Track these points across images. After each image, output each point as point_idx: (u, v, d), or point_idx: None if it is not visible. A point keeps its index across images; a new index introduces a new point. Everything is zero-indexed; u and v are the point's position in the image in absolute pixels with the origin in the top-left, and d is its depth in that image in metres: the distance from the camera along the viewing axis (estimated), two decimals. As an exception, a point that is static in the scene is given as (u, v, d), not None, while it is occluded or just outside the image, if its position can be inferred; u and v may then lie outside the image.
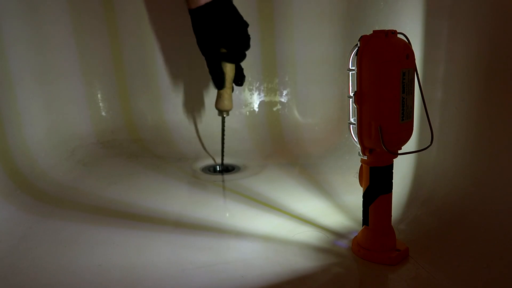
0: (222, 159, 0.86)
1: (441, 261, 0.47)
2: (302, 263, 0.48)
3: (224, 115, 0.84)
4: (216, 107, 0.83)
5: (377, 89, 0.43)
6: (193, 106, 1.02)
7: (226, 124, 0.86)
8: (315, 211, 0.63)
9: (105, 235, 0.56)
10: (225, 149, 0.87)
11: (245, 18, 0.79)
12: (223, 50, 0.79)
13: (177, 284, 0.45)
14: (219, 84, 0.81)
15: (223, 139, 0.86)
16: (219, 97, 0.82)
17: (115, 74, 1.00)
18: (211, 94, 1.00)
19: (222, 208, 0.67)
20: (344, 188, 0.71)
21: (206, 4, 0.76)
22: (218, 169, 0.87)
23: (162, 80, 1.01)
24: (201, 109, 1.01)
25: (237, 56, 0.81)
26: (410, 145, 0.55)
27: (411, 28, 0.67)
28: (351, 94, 0.45)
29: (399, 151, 0.46)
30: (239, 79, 0.84)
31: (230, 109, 0.83)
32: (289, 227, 0.58)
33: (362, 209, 0.49)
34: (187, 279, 0.46)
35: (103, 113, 1.00)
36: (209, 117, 1.00)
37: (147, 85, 1.02)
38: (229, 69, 0.80)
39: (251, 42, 0.80)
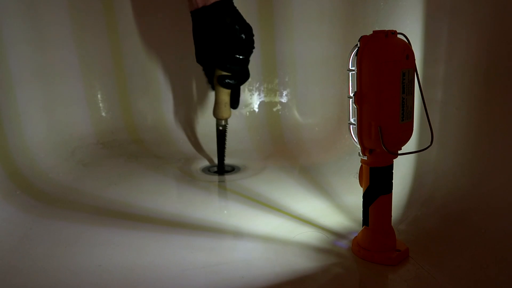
0: (223, 165, 0.85)
1: (441, 261, 0.47)
2: (302, 263, 0.48)
3: (223, 123, 0.84)
4: (214, 116, 0.83)
5: (377, 89, 0.43)
6: (193, 107, 1.02)
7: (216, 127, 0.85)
8: (315, 212, 0.63)
9: (105, 236, 0.56)
10: (225, 149, 0.86)
11: (245, 18, 0.78)
12: (222, 73, 0.78)
13: (177, 284, 0.45)
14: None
15: (223, 145, 0.85)
16: (216, 106, 0.82)
17: (115, 75, 1.00)
18: (211, 94, 1.00)
19: (222, 208, 0.67)
20: (344, 189, 0.71)
21: (205, 7, 0.74)
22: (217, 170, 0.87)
23: (162, 80, 1.01)
24: (201, 109, 1.01)
25: (239, 82, 0.79)
26: (410, 145, 0.55)
27: (411, 28, 0.67)
28: (351, 95, 0.45)
29: (399, 152, 0.46)
30: (235, 101, 0.83)
31: (228, 117, 0.83)
32: (289, 228, 0.58)
33: (362, 209, 0.49)
34: (187, 280, 0.46)
35: (103, 114, 1.00)
36: (209, 118, 1.00)
37: (147, 86, 1.02)
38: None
39: None
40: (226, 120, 0.84)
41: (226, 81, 0.78)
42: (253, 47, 0.78)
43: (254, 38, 0.78)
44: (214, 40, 0.76)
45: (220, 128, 0.84)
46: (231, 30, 0.74)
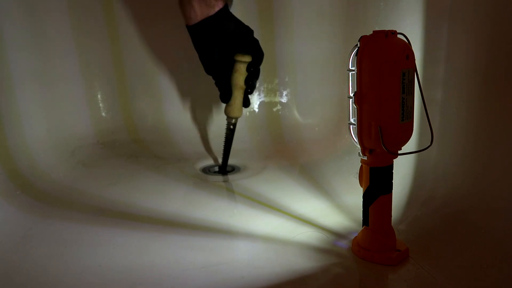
0: (226, 163, 0.85)
1: (441, 261, 0.47)
2: (302, 263, 0.48)
3: (233, 121, 0.84)
4: (226, 113, 0.83)
5: (377, 89, 0.43)
6: (193, 107, 1.02)
7: (226, 126, 0.86)
8: (315, 212, 0.63)
9: (105, 236, 0.56)
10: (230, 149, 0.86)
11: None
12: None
13: (177, 284, 0.45)
14: (227, 98, 0.81)
15: (230, 144, 0.85)
16: (228, 104, 0.82)
17: (115, 75, 1.00)
18: (211, 94, 1.00)
19: (223, 208, 0.66)
20: (344, 189, 0.71)
21: (208, 18, 0.74)
22: (217, 169, 0.87)
23: (162, 80, 1.01)
24: (202, 109, 1.01)
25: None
26: (410, 145, 0.55)
27: (411, 28, 0.67)
28: (351, 95, 0.45)
29: (399, 152, 0.46)
30: (247, 100, 0.83)
31: (239, 116, 0.83)
32: (289, 228, 0.58)
33: (362, 209, 0.49)
34: (187, 280, 0.46)
35: (103, 114, 1.00)
36: (210, 118, 1.00)
37: (147, 86, 1.02)
38: (241, 77, 0.79)
39: None
40: (237, 119, 0.84)
41: (249, 90, 0.80)
42: (263, 53, 0.79)
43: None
44: (225, 50, 0.76)
45: (231, 127, 0.85)
46: (241, 38, 0.76)
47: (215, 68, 0.79)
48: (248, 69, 0.79)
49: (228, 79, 0.79)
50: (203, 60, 0.79)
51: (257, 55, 0.78)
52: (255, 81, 0.81)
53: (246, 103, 0.83)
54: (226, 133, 0.85)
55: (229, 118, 0.84)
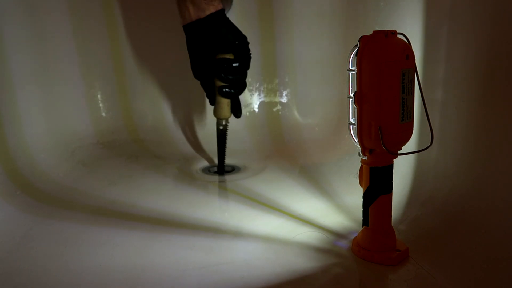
0: (223, 165, 0.85)
1: (441, 261, 0.47)
2: (302, 263, 0.48)
3: (224, 123, 0.84)
4: (215, 115, 0.83)
5: (377, 89, 0.43)
6: (193, 107, 1.02)
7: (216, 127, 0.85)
8: (315, 212, 0.63)
9: (105, 236, 0.56)
10: (225, 149, 0.86)
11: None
12: (219, 83, 0.77)
13: (178, 284, 0.45)
14: (213, 100, 0.81)
15: (224, 145, 0.85)
16: (217, 105, 0.81)
17: (115, 75, 1.00)
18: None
19: (222, 208, 0.67)
20: (344, 189, 0.71)
21: (199, 20, 0.74)
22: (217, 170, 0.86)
23: (162, 80, 1.01)
24: (201, 109, 1.01)
25: (237, 91, 0.79)
26: (410, 145, 0.55)
27: (411, 28, 0.67)
28: (351, 95, 0.45)
29: (399, 152, 0.46)
30: (237, 110, 0.82)
31: (229, 117, 0.83)
32: (289, 228, 0.58)
33: (362, 209, 0.49)
34: (188, 280, 0.46)
35: (103, 114, 1.00)
36: (209, 118, 1.00)
37: (147, 86, 1.02)
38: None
39: (251, 45, 0.79)
40: (227, 119, 0.84)
41: (225, 90, 0.78)
42: (250, 56, 0.78)
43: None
44: (209, 51, 0.76)
45: (221, 127, 0.84)
46: (225, 38, 0.75)
47: (199, 70, 0.79)
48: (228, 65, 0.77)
49: (212, 81, 0.79)
50: (190, 61, 0.79)
51: (241, 56, 0.77)
52: (229, 76, 0.77)
53: (237, 112, 0.83)
54: (216, 134, 0.85)
55: (218, 119, 0.83)
